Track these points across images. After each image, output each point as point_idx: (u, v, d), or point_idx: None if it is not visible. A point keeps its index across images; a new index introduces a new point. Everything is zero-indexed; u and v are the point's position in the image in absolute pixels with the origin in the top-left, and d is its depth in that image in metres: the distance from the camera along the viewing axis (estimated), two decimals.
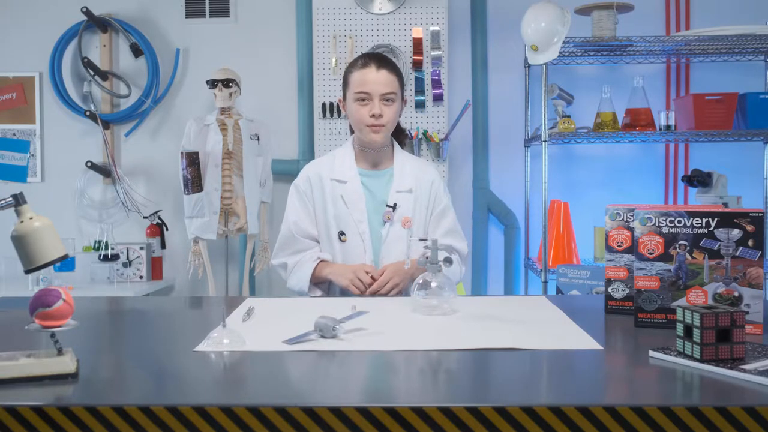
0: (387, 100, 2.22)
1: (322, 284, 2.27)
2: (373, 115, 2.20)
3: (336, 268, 2.21)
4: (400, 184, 2.28)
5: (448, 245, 2.27)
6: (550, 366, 1.37)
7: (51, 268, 2.97)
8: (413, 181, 2.29)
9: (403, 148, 2.41)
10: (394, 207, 2.25)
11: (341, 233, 2.25)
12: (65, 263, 3.26)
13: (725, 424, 1.07)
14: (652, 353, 1.37)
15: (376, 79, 2.21)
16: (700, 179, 3.55)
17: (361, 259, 2.23)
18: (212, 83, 3.53)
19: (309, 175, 2.32)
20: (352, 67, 2.27)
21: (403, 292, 2.19)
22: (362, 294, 2.14)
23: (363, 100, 2.21)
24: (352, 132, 2.35)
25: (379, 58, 2.26)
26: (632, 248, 1.74)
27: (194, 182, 3.45)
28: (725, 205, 3.41)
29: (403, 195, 2.27)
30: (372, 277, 2.16)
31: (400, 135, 2.42)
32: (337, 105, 3.66)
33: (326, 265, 2.24)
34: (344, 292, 2.22)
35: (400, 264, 2.17)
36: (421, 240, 2.21)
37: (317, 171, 2.32)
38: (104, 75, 3.88)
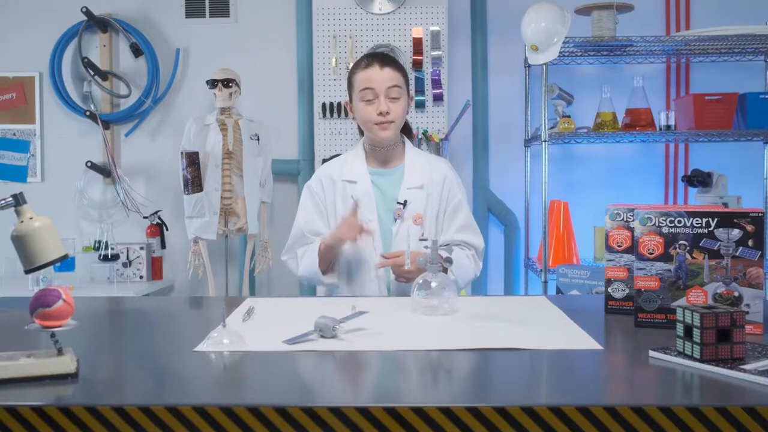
0: (393, 97, 2.21)
1: (333, 272, 2.27)
2: (380, 113, 2.20)
3: (331, 234, 2.22)
4: (410, 181, 2.27)
5: (463, 241, 2.28)
6: (550, 366, 1.37)
7: (51, 268, 2.96)
8: (424, 177, 2.28)
9: None
10: (404, 204, 2.25)
11: None
12: (65, 263, 3.26)
13: (725, 424, 1.07)
14: (652, 353, 1.37)
15: (380, 76, 2.20)
16: (700, 179, 3.55)
17: (371, 257, 2.23)
18: (212, 83, 3.53)
19: (321, 177, 2.33)
20: (355, 68, 2.26)
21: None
22: (356, 237, 2.15)
23: (369, 99, 2.21)
24: (362, 134, 2.35)
25: (382, 57, 2.25)
26: (632, 248, 1.74)
27: (194, 182, 3.45)
28: (725, 205, 3.41)
29: (414, 191, 2.26)
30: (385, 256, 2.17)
31: (407, 133, 2.42)
32: (338, 105, 3.66)
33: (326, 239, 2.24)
34: (351, 283, 2.24)
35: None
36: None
37: (329, 173, 2.33)
38: (104, 75, 3.88)
